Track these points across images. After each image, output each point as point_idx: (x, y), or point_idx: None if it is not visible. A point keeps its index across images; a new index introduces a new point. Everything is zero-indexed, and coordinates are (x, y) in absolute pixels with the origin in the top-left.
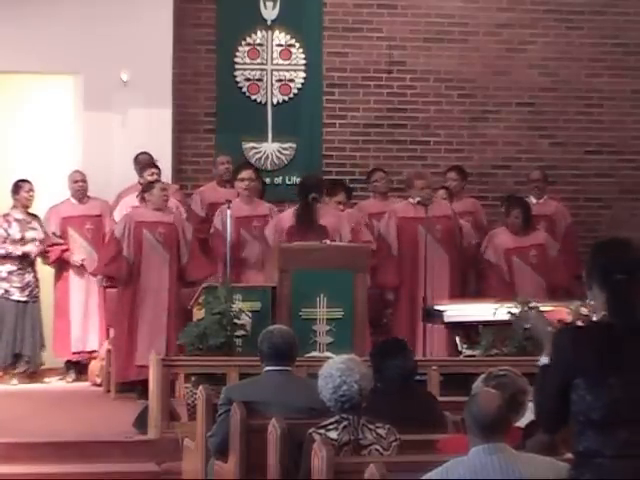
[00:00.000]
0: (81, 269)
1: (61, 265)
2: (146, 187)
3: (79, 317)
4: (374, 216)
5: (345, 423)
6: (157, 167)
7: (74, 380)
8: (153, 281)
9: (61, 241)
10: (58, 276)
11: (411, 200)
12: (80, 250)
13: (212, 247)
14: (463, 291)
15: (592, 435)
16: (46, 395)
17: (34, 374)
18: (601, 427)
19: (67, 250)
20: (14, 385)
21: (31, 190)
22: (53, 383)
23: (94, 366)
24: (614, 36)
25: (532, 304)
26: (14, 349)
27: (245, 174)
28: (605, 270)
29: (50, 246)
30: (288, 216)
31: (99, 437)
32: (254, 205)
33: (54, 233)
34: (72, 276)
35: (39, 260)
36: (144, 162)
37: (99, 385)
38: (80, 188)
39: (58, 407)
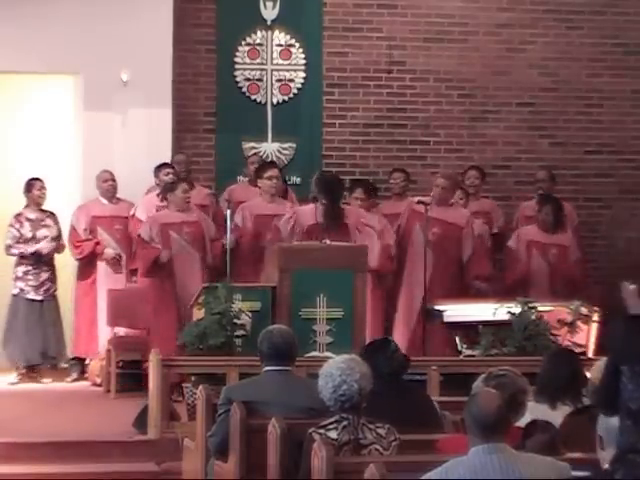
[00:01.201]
0: (111, 266)
1: (86, 263)
2: (168, 187)
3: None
4: (389, 217)
5: (345, 423)
6: (172, 167)
7: (74, 380)
8: (187, 280)
9: (91, 237)
10: (83, 273)
11: (413, 199)
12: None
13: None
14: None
15: (631, 427)
16: (46, 395)
17: (55, 373)
18: (638, 418)
19: (99, 244)
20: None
21: (43, 188)
22: (53, 383)
23: (94, 366)
24: (614, 36)
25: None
26: (38, 348)
27: (272, 172)
28: None
29: (80, 241)
30: (310, 213)
31: (99, 437)
32: (277, 203)
33: (85, 229)
34: (100, 274)
35: (56, 257)
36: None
37: (99, 385)
38: (110, 187)
39: (58, 407)
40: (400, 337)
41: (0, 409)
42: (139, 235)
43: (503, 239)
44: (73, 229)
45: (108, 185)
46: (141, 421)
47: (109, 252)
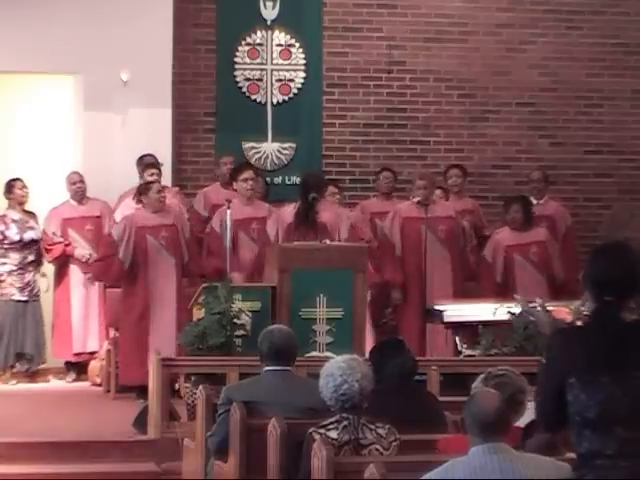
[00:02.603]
0: (82, 267)
1: (61, 265)
2: (142, 189)
3: (79, 318)
4: (376, 215)
5: (345, 423)
6: (158, 168)
7: (74, 380)
8: (162, 286)
9: (61, 239)
10: (58, 276)
11: (411, 198)
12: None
13: (206, 246)
14: (465, 291)
15: (590, 435)
16: (46, 395)
17: (34, 374)
18: (597, 426)
19: (69, 245)
20: (13, 385)
21: (24, 187)
22: (53, 383)
23: (94, 366)
24: (614, 36)
25: (536, 302)
26: (16, 348)
27: (248, 174)
28: (596, 287)
29: (51, 245)
30: (289, 213)
31: (99, 437)
32: (254, 207)
33: (54, 233)
34: (73, 276)
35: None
36: (148, 163)
37: (99, 385)
38: (78, 189)
39: (58, 407)
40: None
41: (0, 409)
42: (109, 234)
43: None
44: (44, 233)
45: (76, 187)
46: (141, 421)
47: (80, 252)
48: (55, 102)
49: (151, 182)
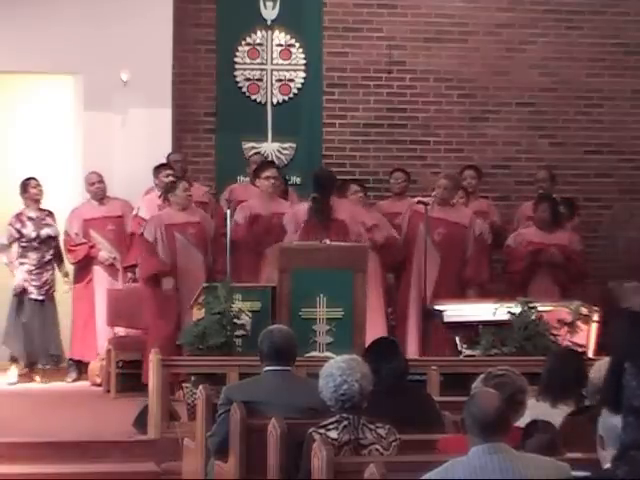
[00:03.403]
0: (105, 269)
1: (82, 266)
2: (169, 188)
3: (102, 319)
4: (389, 216)
5: (345, 423)
6: (172, 168)
7: (74, 380)
8: (192, 282)
9: (84, 241)
10: (78, 276)
11: (433, 196)
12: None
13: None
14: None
15: (633, 423)
16: (46, 395)
17: (56, 372)
18: None
19: (93, 247)
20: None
21: (38, 185)
22: (53, 383)
23: (94, 366)
24: (614, 36)
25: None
26: (35, 347)
27: (271, 172)
28: None
29: (74, 246)
30: (303, 210)
31: (99, 437)
32: (275, 204)
33: (77, 234)
34: (96, 277)
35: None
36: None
37: (99, 385)
38: (98, 189)
39: (58, 407)
40: (402, 337)
41: (0, 409)
42: (142, 234)
43: (502, 238)
44: (67, 234)
45: (95, 188)
46: (141, 421)
47: (103, 255)
48: (55, 102)
49: (179, 179)
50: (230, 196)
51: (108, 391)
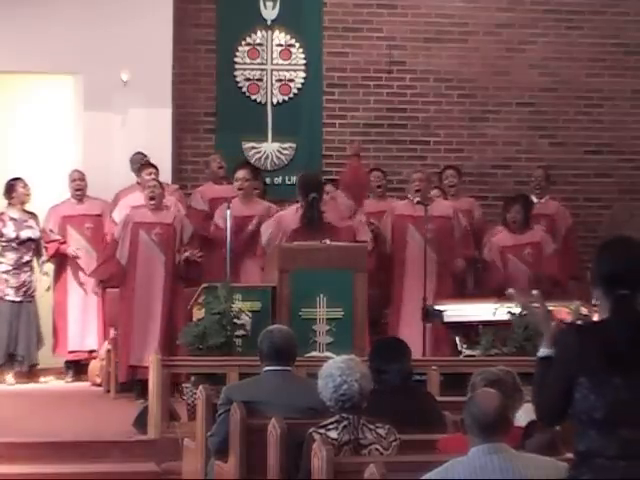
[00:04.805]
0: (79, 265)
1: (60, 263)
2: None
3: (77, 316)
4: (371, 215)
5: (345, 423)
6: (154, 166)
7: (73, 380)
8: (148, 282)
9: (58, 237)
10: (57, 274)
11: (410, 197)
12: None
13: (217, 244)
14: (458, 292)
15: (594, 435)
16: (45, 395)
17: (31, 373)
18: (603, 427)
19: (64, 243)
20: (10, 385)
21: (26, 185)
22: (52, 383)
23: (94, 366)
24: (614, 36)
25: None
26: (8, 349)
27: (239, 174)
28: (609, 282)
29: (48, 242)
30: (291, 217)
31: (99, 437)
32: (251, 205)
33: (51, 230)
34: (70, 275)
35: (35, 259)
36: (136, 162)
37: (99, 385)
38: (78, 187)
39: (58, 407)
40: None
41: (0, 409)
42: (113, 235)
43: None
44: (43, 230)
45: (76, 184)
46: (141, 421)
47: (72, 249)
48: (55, 102)
49: (142, 166)
50: (202, 196)
51: (108, 391)
